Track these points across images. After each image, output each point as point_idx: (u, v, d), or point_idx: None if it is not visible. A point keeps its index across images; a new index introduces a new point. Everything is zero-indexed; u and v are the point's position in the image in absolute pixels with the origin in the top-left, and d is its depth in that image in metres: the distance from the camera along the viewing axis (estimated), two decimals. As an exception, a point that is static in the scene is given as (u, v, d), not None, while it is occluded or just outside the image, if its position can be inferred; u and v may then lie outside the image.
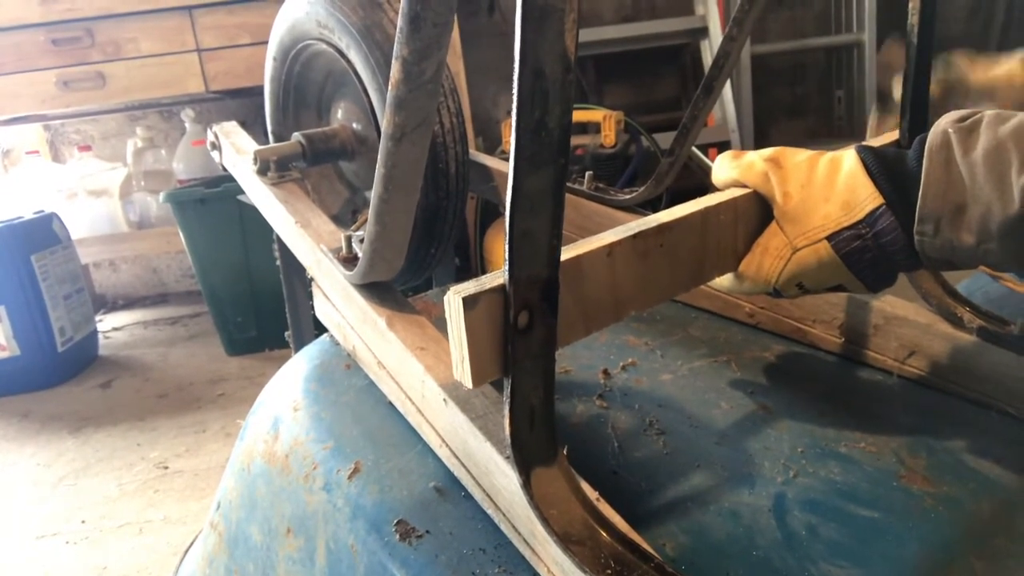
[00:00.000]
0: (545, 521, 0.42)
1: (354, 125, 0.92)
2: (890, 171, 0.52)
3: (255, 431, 0.70)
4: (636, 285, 0.53)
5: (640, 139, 2.15)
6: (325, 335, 0.76)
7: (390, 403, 0.63)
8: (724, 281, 0.60)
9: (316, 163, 0.90)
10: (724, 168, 0.60)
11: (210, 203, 2.02)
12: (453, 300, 0.41)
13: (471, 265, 2.07)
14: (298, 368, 0.72)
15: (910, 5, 0.65)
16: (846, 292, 0.59)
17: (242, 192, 0.94)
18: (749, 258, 0.58)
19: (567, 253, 0.48)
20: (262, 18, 2.16)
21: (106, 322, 2.74)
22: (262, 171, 0.85)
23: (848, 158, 0.55)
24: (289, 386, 0.70)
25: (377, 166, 0.55)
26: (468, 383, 0.43)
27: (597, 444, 0.57)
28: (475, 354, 0.42)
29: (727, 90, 2.53)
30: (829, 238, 0.53)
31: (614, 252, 0.50)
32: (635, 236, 0.51)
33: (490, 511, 0.50)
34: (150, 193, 2.63)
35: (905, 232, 0.51)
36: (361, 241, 0.64)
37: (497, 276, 0.42)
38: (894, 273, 0.55)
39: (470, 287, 0.41)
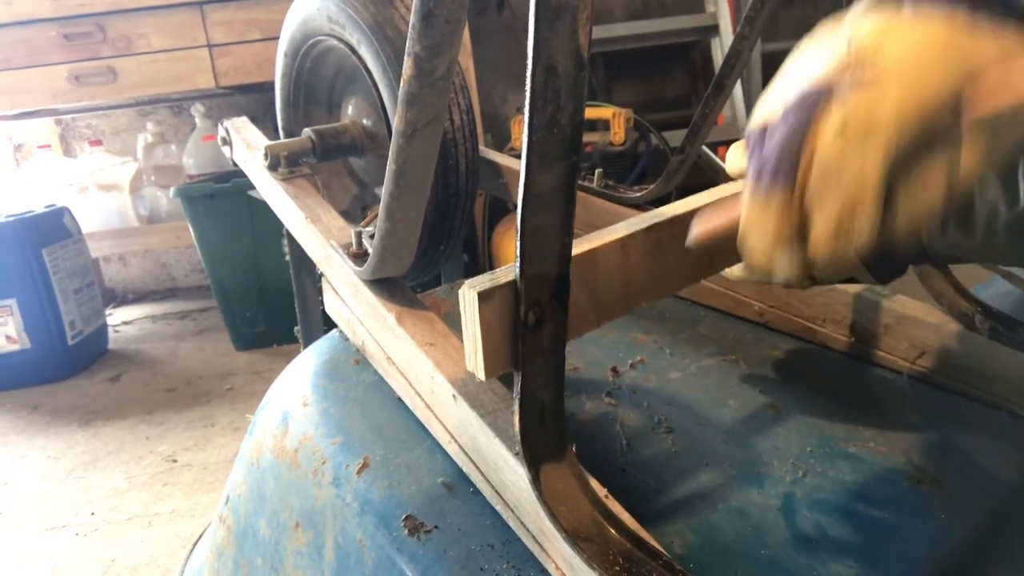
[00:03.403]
0: (554, 517, 0.42)
1: (364, 121, 0.92)
2: None
3: (264, 426, 0.71)
4: (648, 277, 0.53)
5: (649, 137, 2.14)
6: (334, 330, 0.76)
7: (399, 399, 0.63)
8: (735, 271, 0.60)
9: (326, 159, 0.90)
10: (737, 158, 0.60)
11: (220, 198, 2.03)
12: (468, 294, 0.41)
13: (479, 261, 2.07)
14: (307, 363, 0.72)
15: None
16: (857, 284, 0.59)
17: (252, 187, 0.94)
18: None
19: (580, 247, 0.48)
20: (272, 14, 2.16)
21: (116, 316, 2.76)
22: (272, 166, 0.85)
23: None
24: (298, 381, 0.70)
25: (388, 162, 0.55)
26: (481, 375, 0.43)
27: (606, 441, 0.57)
28: (488, 347, 0.42)
29: (737, 88, 2.52)
30: None
31: (627, 246, 0.50)
32: (647, 230, 0.52)
33: (499, 507, 0.50)
34: (160, 188, 2.64)
35: None
36: (371, 237, 0.64)
37: (510, 270, 0.42)
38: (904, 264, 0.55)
39: (484, 281, 0.42)
